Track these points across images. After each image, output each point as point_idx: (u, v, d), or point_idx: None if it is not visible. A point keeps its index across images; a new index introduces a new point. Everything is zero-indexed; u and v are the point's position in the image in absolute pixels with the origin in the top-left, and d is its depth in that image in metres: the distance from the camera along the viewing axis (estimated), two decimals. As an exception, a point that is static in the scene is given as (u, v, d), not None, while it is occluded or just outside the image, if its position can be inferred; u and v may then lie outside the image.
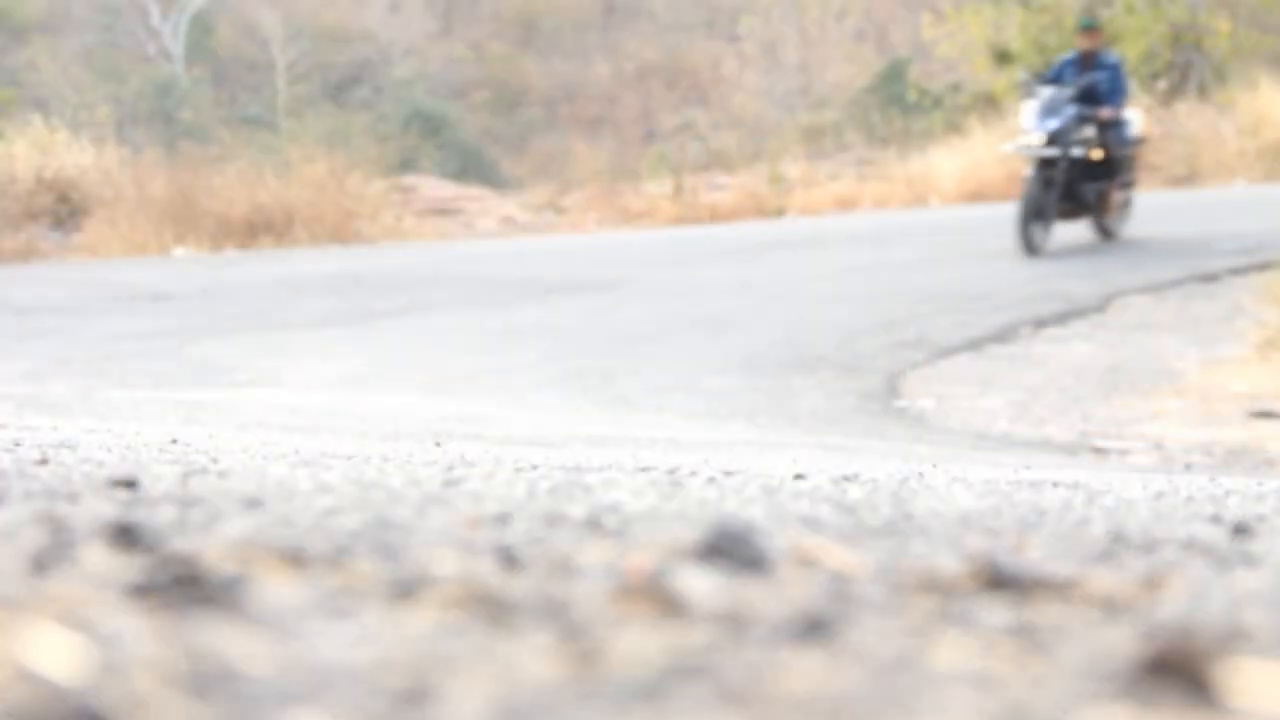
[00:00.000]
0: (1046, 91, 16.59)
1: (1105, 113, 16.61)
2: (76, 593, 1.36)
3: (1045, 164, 16.15)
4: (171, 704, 1.01)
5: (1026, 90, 17.10)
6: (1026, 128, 16.46)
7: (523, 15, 44.39)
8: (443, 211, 25.15)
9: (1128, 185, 17.23)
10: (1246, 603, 1.65)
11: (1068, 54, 17.35)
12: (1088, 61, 16.89)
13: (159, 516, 1.96)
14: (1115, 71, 16.92)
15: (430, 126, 36.01)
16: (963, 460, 6.09)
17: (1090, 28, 17.39)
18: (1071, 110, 16.43)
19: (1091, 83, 16.66)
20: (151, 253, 19.52)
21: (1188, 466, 7.40)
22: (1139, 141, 17.31)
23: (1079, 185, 16.59)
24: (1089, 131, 16.60)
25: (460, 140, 36.36)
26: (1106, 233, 17.18)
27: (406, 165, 30.87)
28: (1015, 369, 11.36)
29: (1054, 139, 16.30)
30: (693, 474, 3.35)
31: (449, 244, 20.74)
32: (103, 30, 41.96)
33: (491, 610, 1.37)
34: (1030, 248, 15.87)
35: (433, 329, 12.80)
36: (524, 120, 40.39)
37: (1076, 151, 16.32)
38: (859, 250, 17.16)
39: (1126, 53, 25.92)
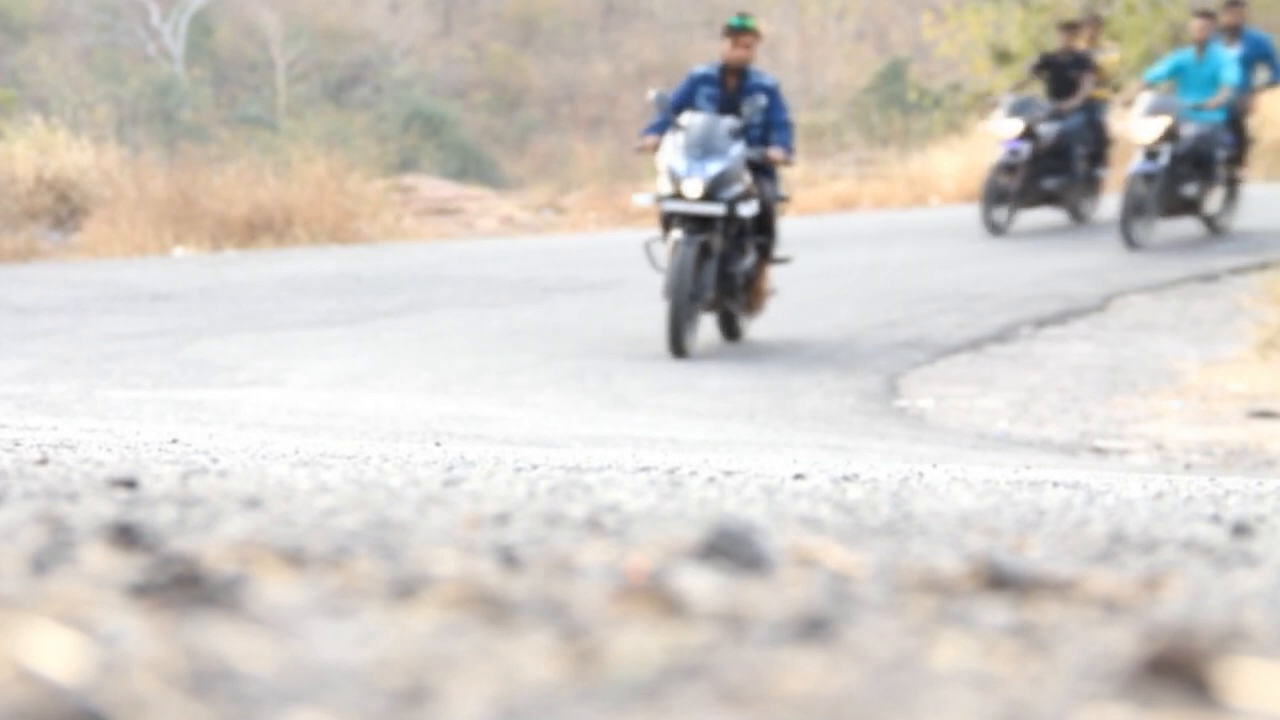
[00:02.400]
0: (697, 120, 11.60)
1: (777, 154, 11.62)
2: (76, 593, 1.36)
3: (700, 226, 11.43)
4: (171, 704, 1.01)
5: (660, 107, 11.71)
6: (670, 170, 11.45)
7: (523, 15, 44.40)
8: (443, 211, 25.15)
9: (778, 261, 12.27)
10: (1246, 603, 1.65)
11: (703, 67, 12.10)
12: (734, 79, 11.87)
13: (159, 516, 1.96)
14: (776, 95, 11.86)
15: (430, 126, 36.01)
16: (963, 460, 6.09)
17: (742, 29, 11.87)
18: (735, 149, 11.52)
19: (752, 109, 11.65)
20: (151, 253, 19.52)
21: (1188, 466, 7.40)
22: (784, 200, 12.33)
23: (735, 262, 11.80)
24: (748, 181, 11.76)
25: (460, 140, 36.36)
26: (732, 333, 12.19)
27: (406, 165, 30.88)
28: (1015, 369, 11.36)
29: (712, 190, 11.41)
30: (693, 474, 3.35)
31: (449, 244, 20.74)
32: (103, 30, 41.96)
33: (491, 610, 1.37)
34: (679, 350, 11.17)
35: (433, 329, 12.80)
36: (524, 120, 40.40)
37: (745, 209, 11.54)
38: (859, 250, 17.16)
39: (1127, 53, 25.91)
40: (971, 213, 18.42)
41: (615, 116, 38.43)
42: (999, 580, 1.63)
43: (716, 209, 11.45)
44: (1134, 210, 16.08)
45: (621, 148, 34.23)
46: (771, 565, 1.70)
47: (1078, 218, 17.99)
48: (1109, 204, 18.05)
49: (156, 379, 9.66)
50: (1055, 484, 3.57)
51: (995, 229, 17.13)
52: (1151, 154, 16.06)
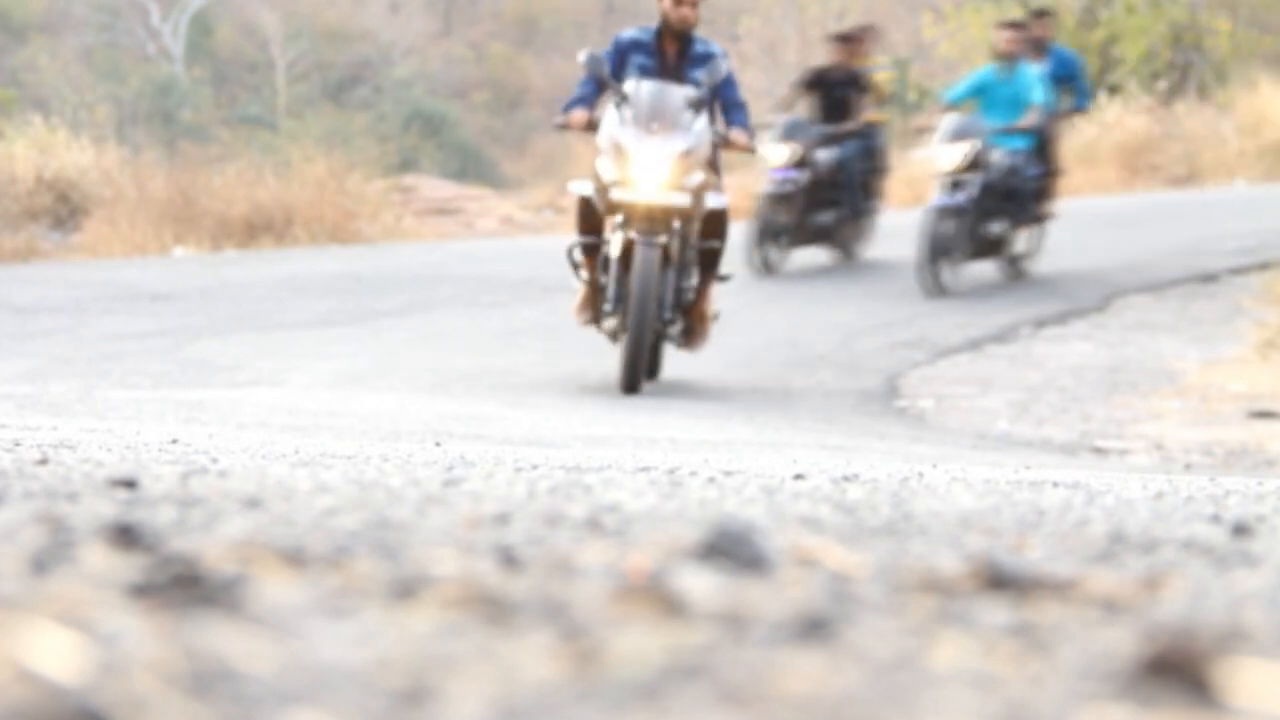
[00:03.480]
0: (645, 88, 9.55)
1: (740, 137, 9.61)
2: (76, 593, 1.36)
3: (654, 225, 9.47)
4: (171, 704, 1.01)
5: (592, 70, 9.55)
6: (619, 147, 9.41)
7: (523, 15, 44.41)
8: (443, 211, 25.15)
9: (722, 278, 10.59)
10: (1246, 603, 1.65)
11: (633, 31, 10.01)
12: (674, 45, 9.87)
13: (159, 516, 1.96)
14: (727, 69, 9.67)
15: (430, 126, 36.01)
16: (963, 460, 6.10)
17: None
18: (699, 124, 9.41)
19: (713, 75, 9.48)
20: (151, 253, 19.52)
21: (1188, 466, 7.40)
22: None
23: (688, 274, 10.00)
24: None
25: (460, 140, 36.37)
26: (654, 368, 10.10)
27: (406, 165, 30.87)
28: (1015, 369, 11.36)
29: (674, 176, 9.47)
30: (693, 474, 3.35)
31: (449, 244, 20.73)
32: (103, 30, 41.96)
33: (491, 610, 1.37)
34: (633, 387, 9.42)
35: (433, 329, 12.81)
36: (524, 120, 40.39)
37: (713, 201, 9.65)
38: (859, 250, 17.14)
39: (1127, 53, 25.93)
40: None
41: (615, 116, 38.40)
42: (999, 580, 1.63)
43: (680, 200, 9.27)
44: (939, 251, 13.72)
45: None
46: (771, 565, 1.70)
47: (848, 256, 15.88)
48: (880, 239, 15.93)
49: (156, 379, 9.66)
50: (1055, 484, 3.57)
51: (766, 268, 14.92)
52: (956, 185, 13.80)
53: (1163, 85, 25.58)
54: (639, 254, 9.27)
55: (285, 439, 4.85)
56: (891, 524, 2.28)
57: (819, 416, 9.02)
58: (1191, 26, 26.45)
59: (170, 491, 2.29)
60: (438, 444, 4.94)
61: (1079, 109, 15.60)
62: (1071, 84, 15.16)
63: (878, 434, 8.16)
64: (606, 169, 9.39)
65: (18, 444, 3.62)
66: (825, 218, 15.46)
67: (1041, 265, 14.99)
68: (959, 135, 14.13)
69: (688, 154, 9.31)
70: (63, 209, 21.85)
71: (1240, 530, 2.39)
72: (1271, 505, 3.07)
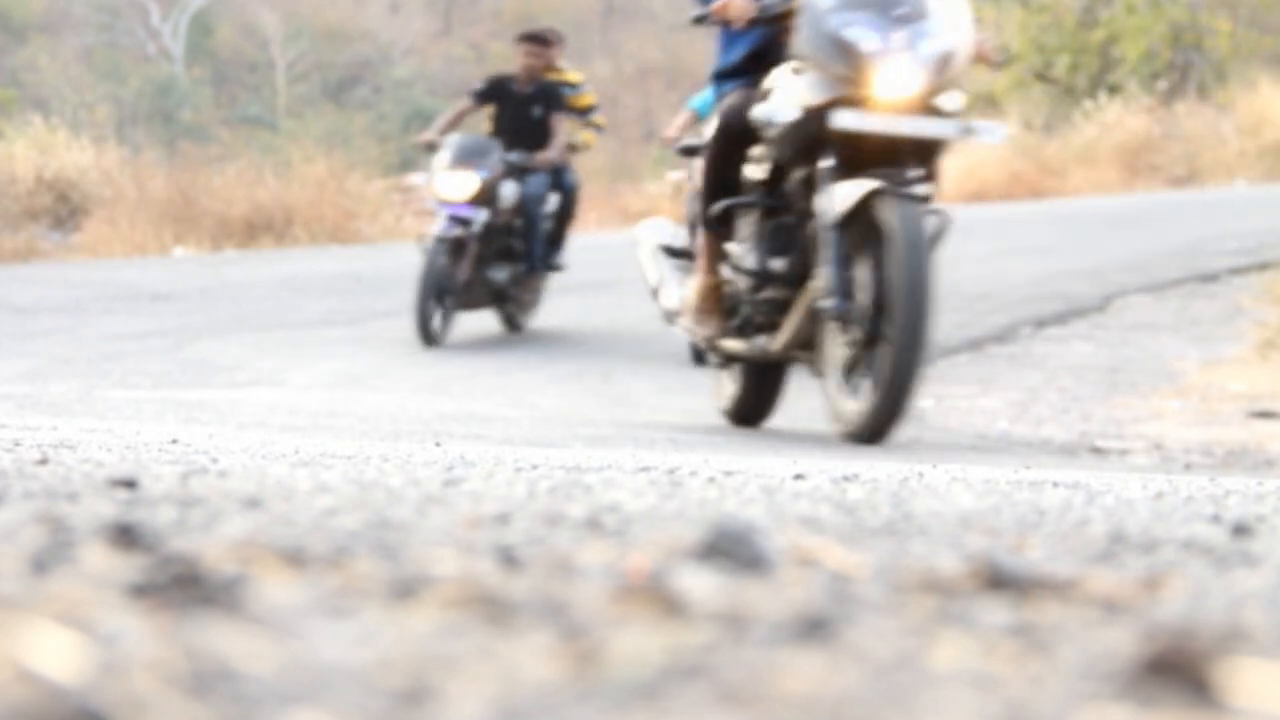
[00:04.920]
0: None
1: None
2: (76, 593, 1.36)
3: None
4: (171, 704, 1.01)
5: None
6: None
7: (523, 15, 44.38)
8: (443, 211, 25.16)
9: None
10: (1246, 603, 1.65)
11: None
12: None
13: (159, 516, 1.96)
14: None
15: (430, 126, 36.00)
16: (963, 460, 6.09)
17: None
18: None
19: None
20: (151, 253, 19.52)
21: (1188, 466, 7.40)
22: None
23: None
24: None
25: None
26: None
27: (406, 165, 30.87)
28: (1015, 369, 11.36)
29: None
30: (693, 474, 3.35)
31: (449, 244, 20.70)
32: (103, 30, 41.97)
33: (491, 610, 1.37)
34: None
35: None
36: (524, 120, 40.38)
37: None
38: (859, 250, 17.14)
39: (1127, 53, 25.93)
40: (972, 213, 18.39)
41: (615, 116, 38.43)
42: (999, 580, 1.63)
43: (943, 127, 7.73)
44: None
45: (622, 148, 34.18)
46: (771, 565, 1.70)
47: (513, 326, 12.78)
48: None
49: (156, 379, 9.67)
50: (1055, 484, 3.57)
51: (427, 338, 11.66)
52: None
53: (1163, 85, 25.58)
54: (896, 213, 6.46)
55: (285, 439, 4.85)
56: (891, 524, 2.28)
57: (818, 416, 9.02)
58: (1191, 26, 26.45)
59: (170, 491, 2.29)
60: (438, 444, 4.94)
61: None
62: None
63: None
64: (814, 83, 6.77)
65: (18, 444, 3.62)
66: (500, 274, 12.32)
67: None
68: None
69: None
70: (63, 209, 21.85)
71: (1240, 530, 2.39)
72: (1271, 505, 3.07)
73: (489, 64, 43.11)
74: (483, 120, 12.82)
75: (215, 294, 14.91)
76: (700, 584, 1.55)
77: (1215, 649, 1.25)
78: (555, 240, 12.74)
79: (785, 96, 6.83)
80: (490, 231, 12.00)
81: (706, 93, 10.73)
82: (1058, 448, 8.25)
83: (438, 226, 11.82)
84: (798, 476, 3.38)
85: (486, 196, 11.91)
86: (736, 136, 7.10)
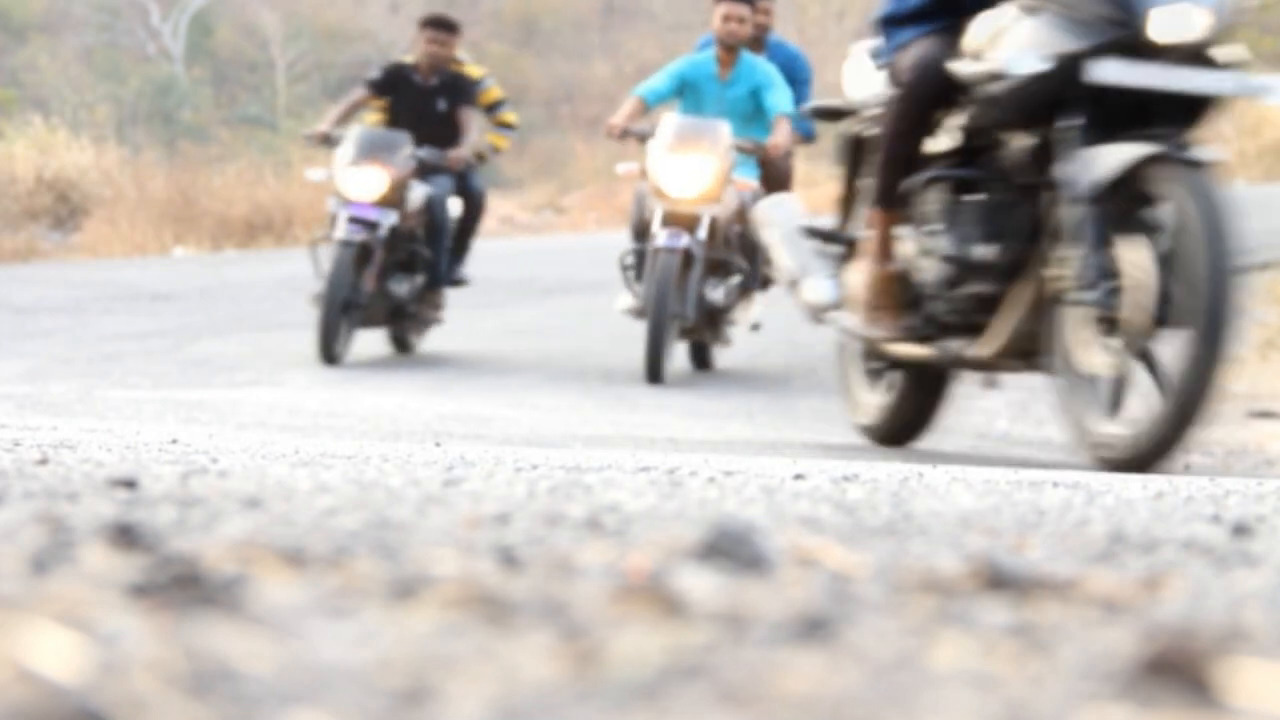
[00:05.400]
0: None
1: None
2: (76, 593, 1.36)
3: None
4: (171, 704, 1.01)
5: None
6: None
7: (523, 15, 44.41)
8: (443, 211, 25.15)
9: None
10: (1246, 603, 1.65)
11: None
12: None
13: (159, 516, 1.96)
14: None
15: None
16: (963, 460, 6.09)
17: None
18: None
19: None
20: (151, 253, 19.52)
21: (1187, 466, 7.39)
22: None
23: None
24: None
25: (460, 140, 36.33)
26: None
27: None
28: (1015, 369, 11.35)
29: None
30: (693, 474, 3.35)
31: (449, 244, 20.69)
32: (103, 30, 41.96)
33: (491, 610, 1.37)
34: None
35: (432, 329, 12.79)
36: (524, 120, 40.42)
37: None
38: (859, 250, 17.13)
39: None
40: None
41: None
42: (999, 580, 1.63)
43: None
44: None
45: (622, 148, 34.23)
46: (771, 565, 1.70)
47: (404, 347, 11.43)
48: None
49: (156, 379, 9.67)
50: (1055, 484, 3.57)
51: (332, 358, 10.23)
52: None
53: (1163, 85, 25.59)
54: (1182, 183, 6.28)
55: (285, 439, 4.85)
56: (891, 524, 2.28)
57: (819, 416, 9.02)
58: (1191, 26, 26.46)
59: (170, 491, 2.29)
60: (438, 444, 4.94)
61: (805, 136, 11.06)
62: (794, 90, 10.76)
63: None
64: None
65: (18, 444, 3.62)
66: (400, 287, 10.86)
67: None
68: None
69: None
70: (63, 209, 21.85)
71: (1240, 530, 2.39)
72: (1271, 505, 3.07)
73: (489, 64, 43.14)
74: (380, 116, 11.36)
75: (215, 294, 14.91)
76: (700, 584, 1.55)
77: (1215, 649, 1.25)
78: (458, 251, 11.42)
79: (1021, 43, 5.65)
80: (394, 238, 10.56)
81: (657, 79, 10.29)
82: (1058, 448, 8.25)
83: (340, 230, 10.27)
84: (798, 476, 3.38)
85: (395, 197, 10.48)
86: (930, 96, 5.98)
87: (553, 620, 1.34)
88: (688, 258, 9.86)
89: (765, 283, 10.67)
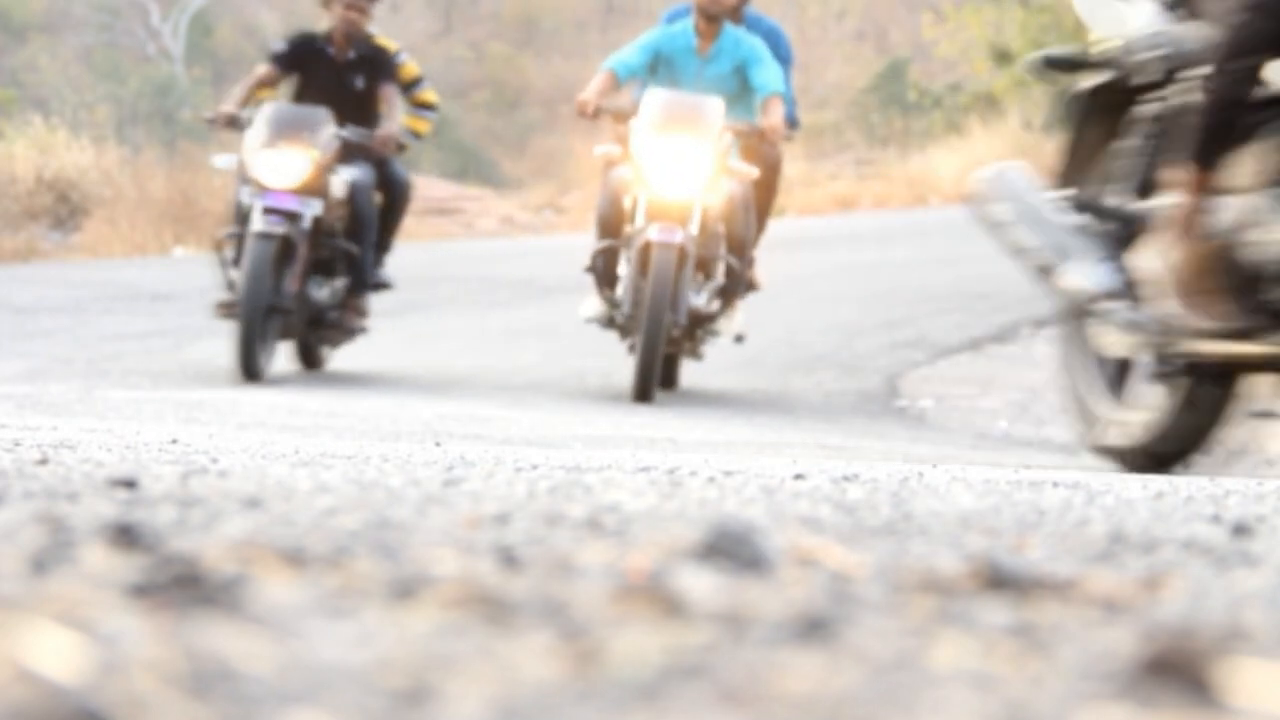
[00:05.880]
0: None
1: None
2: (76, 593, 1.36)
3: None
4: (171, 704, 1.01)
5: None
6: None
7: (523, 15, 44.40)
8: (442, 211, 25.15)
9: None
10: (1246, 603, 1.65)
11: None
12: None
13: (159, 516, 1.96)
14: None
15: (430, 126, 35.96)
16: (963, 460, 6.10)
17: None
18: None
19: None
20: (151, 253, 19.51)
21: (1188, 467, 7.40)
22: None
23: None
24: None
25: (460, 140, 36.35)
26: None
27: (406, 165, 30.88)
28: (1015, 369, 11.36)
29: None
30: (693, 474, 3.35)
31: (449, 244, 20.74)
32: (103, 30, 41.95)
33: (491, 610, 1.37)
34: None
35: (433, 329, 12.81)
36: (524, 120, 40.39)
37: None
38: (859, 250, 17.15)
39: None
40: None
41: (615, 116, 38.46)
42: (999, 580, 1.63)
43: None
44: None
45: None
46: (771, 565, 1.70)
47: (311, 362, 10.19)
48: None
49: (156, 379, 9.66)
50: (1055, 484, 3.57)
51: (254, 372, 9.01)
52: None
53: (1163, 85, 25.57)
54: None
55: (285, 439, 4.85)
56: (891, 524, 2.28)
57: (819, 416, 9.02)
58: (1191, 26, 26.44)
59: (170, 491, 2.29)
60: (438, 444, 4.94)
61: (790, 124, 9.25)
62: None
63: (878, 434, 8.16)
64: None
65: (18, 444, 3.62)
66: (320, 291, 9.53)
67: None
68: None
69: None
70: (63, 209, 21.85)
71: (1240, 530, 2.39)
72: (1271, 505, 3.07)
73: (489, 64, 43.15)
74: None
75: (215, 294, 14.89)
76: (700, 584, 1.55)
77: (1215, 649, 1.25)
78: (379, 250, 9.97)
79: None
80: (314, 233, 9.18)
81: (628, 51, 9.31)
82: (1058, 448, 8.25)
83: (257, 221, 8.89)
84: (798, 476, 3.38)
85: (318, 184, 9.05)
86: (1269, 34, 4.83)
87: (553, 620, 1.34)
88: (680, 256, 8.61)
89: (751, 287, 9.54)
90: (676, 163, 8.66)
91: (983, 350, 11.99)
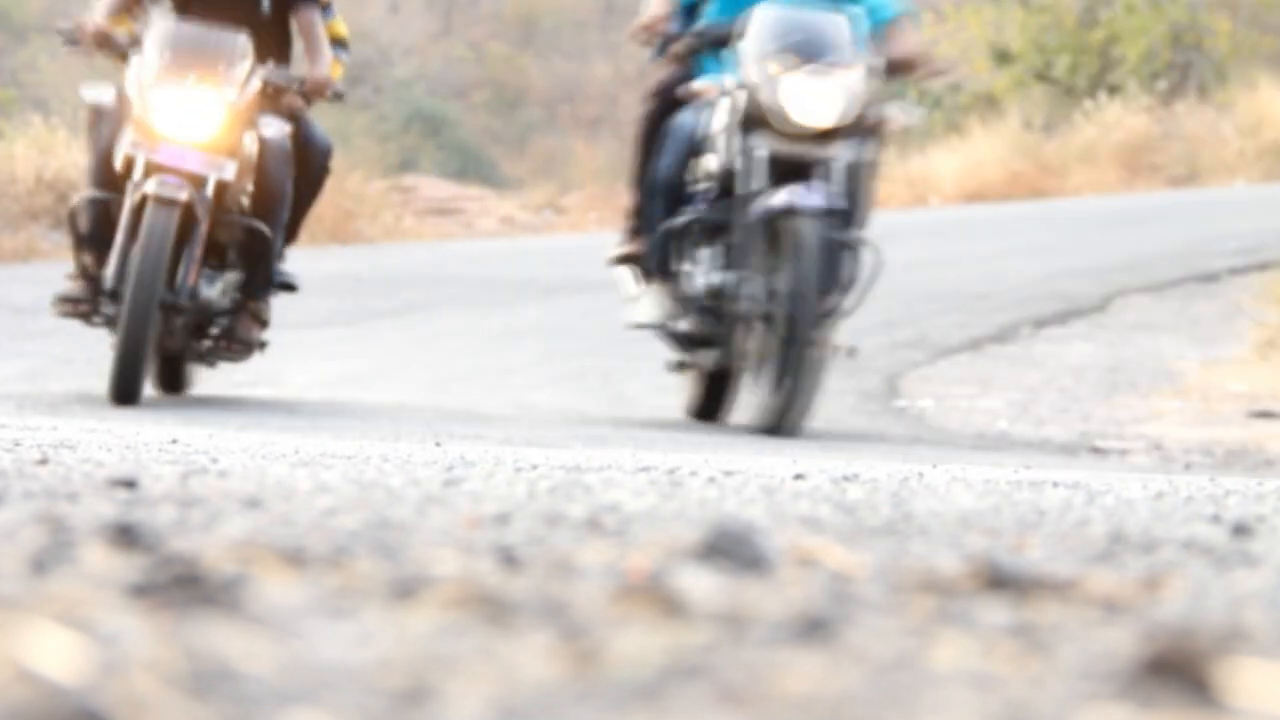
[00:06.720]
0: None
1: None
2: (76, 593, 1.36)
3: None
4: (171, 704, 1.01)
5: None
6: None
7: (523, 15, 44.38)
8: (443, 211, 25.14)
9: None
10: (1246, 603, 1.65)
11: None
12: None
13: (159, 516, 1.96)
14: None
15: (430, 126, 35.99)
16: (963, 460, 6.09)
17: None
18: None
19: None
20: (151, 253, 19.47)
21: (1188, 466, 7.39)
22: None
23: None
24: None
25: (460, 140, 36.36)
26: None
27: (406, 165, 30.85)
28: (1015, 369, 11.35)
29: None
30: (693, 474, 3.35)
31: (449, 244, 20.72)
32: (103, 30, 41.95)
33: (491, 610, 1.37)
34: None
35: (433, 329, 12.79)
36: (524, 120, 40.38)
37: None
38: (859, 250, 17.10)
39: (1127, 53, 25.90)
40: (972, 213, 18.35)
41: (615, 116, 38.43)
42: (999, 580, 1.63)
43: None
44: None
45: (622, 148, 34.24)
46: (771, 565, 1.70)
47: (177, 384, 8.00)
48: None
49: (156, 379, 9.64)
50: (1055, 484, 3.57)
51: (130, 396, 7.17)
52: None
53: (1163, 85, 25.57)
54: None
55: (285, 439, 4.85)
56: (891, 524, 2.28)
57: (819, 416, 9.02)
58: (1191, 26, 26.44)
59: (170, 491, 2.28)
60: (438, 444, 4.94)
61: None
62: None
63: (878, 434, 8.16)
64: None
65: (18, 444, 3.61)
66: (210, 289, 7.22)
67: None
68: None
69: None
70: (63, 209, 21.81)
71: (1240, 530, 2.39)
72: (1271, 505, 3.07)
73: (489, 64, 43.12)
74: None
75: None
76: (700, 584, 1.55)
77: (1215, 649, 1.25)
78: (286, 238, 7.53)
79: None
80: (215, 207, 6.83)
81: None
82: (1058, 448, 8.25)
83: (151, 183, 6.60)
84: (798, 476, 3.38)
85: (232, 139, 6.74)
86: None
87: (553, 620, 1.34)
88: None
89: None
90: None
91: (983, 350, 11.98)
